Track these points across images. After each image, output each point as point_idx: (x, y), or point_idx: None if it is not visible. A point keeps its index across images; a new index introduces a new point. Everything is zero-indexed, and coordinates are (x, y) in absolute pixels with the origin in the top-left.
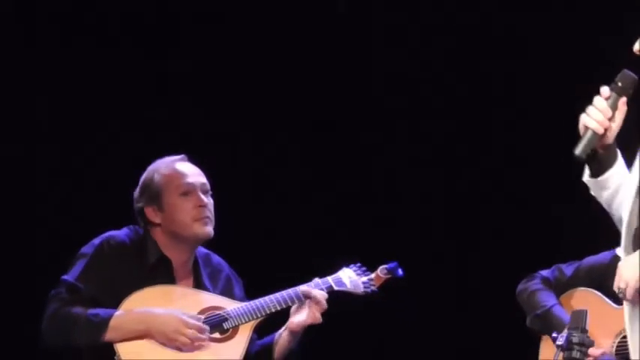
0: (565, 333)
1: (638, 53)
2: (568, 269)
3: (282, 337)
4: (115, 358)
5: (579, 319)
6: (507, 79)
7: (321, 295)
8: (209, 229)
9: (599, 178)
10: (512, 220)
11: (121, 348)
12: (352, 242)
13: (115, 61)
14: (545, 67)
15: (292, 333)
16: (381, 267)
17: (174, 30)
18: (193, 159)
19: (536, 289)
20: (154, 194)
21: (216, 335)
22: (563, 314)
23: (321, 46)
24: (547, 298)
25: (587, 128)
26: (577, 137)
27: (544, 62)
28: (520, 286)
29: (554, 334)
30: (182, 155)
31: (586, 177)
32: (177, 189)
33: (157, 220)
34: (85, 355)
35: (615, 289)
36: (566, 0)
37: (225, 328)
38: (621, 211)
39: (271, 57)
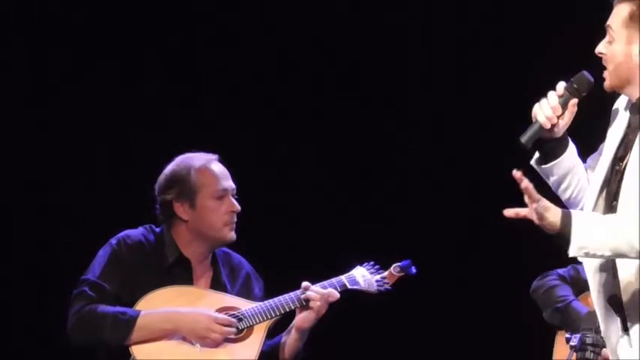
0: (578, 334)
1: (598, 55)
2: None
3: (289, 336)
4: (131, 359)
5: (593, 319)
6: (519, 79)
7: (321, 299)
8: (234, 235)
9: (543, 166)
10: (512, 220)
11: (136, 348)
12: (361, 242)
13: (123, 61)
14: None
15: (299, 331)
16: (394, 265)
17: (181, 32)
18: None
19: (554, 284)
20: (188, 192)
21: (231, 335)
22: (583, 309)
23: (324, 46)
24: (566, 293)
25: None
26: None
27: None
28: (535, 283)
29: (567, 335)
30: (216, 155)
31: (533, 162)
32: (213, 192)
33: (185, 216)
34: (100, 354)
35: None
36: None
37: (240, 328)
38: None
39: (286, 56)
